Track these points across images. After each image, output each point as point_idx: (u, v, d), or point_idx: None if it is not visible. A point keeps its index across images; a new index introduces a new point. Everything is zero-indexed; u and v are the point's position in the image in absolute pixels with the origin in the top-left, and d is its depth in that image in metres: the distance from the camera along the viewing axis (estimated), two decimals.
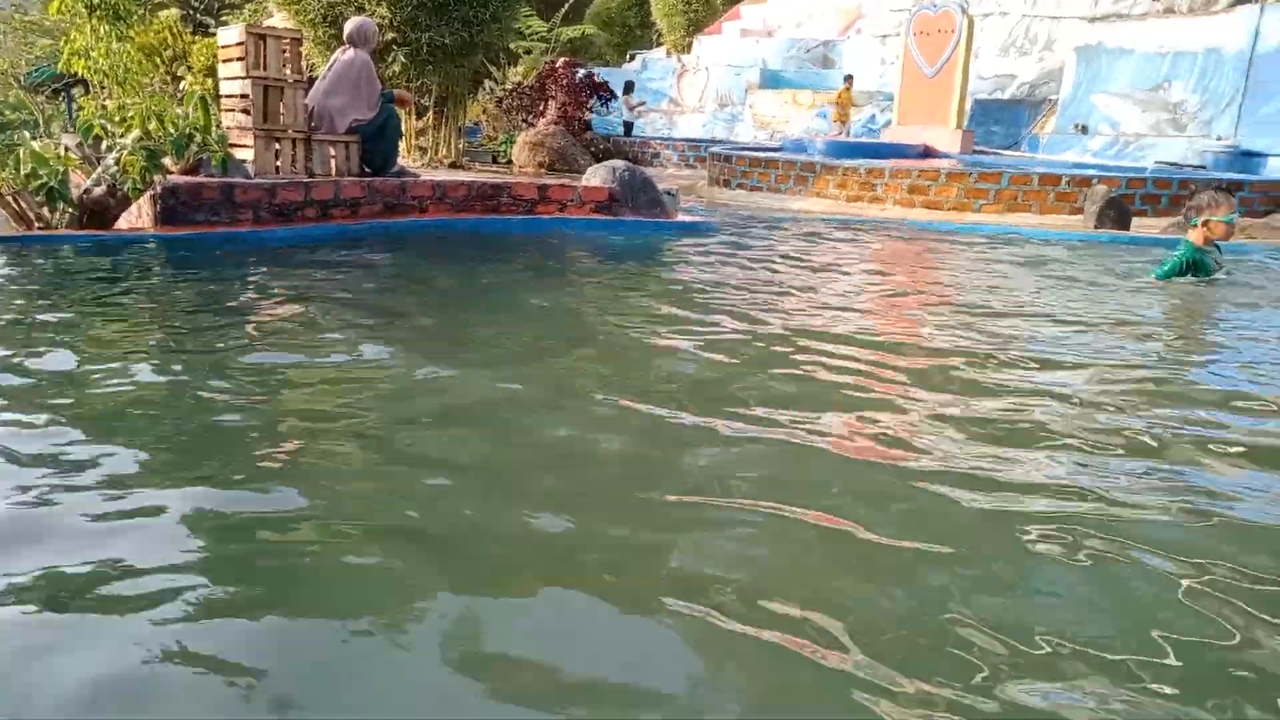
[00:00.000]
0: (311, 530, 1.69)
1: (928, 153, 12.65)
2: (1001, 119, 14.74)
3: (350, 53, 6.76)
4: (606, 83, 14.18)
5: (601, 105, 14.00)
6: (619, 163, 7.33)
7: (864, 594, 1.53)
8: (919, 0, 12.02)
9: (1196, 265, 4.82)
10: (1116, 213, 7.76)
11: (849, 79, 16.14)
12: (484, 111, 14.71)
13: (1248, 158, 10.96)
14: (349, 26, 6.80)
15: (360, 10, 9.46)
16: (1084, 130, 13.00)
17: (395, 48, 9.94)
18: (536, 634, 1.38)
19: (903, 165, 10.12)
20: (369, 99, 6.86)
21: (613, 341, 3.36)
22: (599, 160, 9.66)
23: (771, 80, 20.49)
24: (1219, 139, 11.55)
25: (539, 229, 6.40)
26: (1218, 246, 4.95)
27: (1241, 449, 2.28)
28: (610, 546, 1.68)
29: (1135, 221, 8.08)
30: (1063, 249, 6.80)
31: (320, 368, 2.77)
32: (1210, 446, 2.27)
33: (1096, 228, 7.69)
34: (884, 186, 9.92)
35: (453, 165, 11.19)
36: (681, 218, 7.35)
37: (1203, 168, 10.62)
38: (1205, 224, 4.81)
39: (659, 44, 24.97)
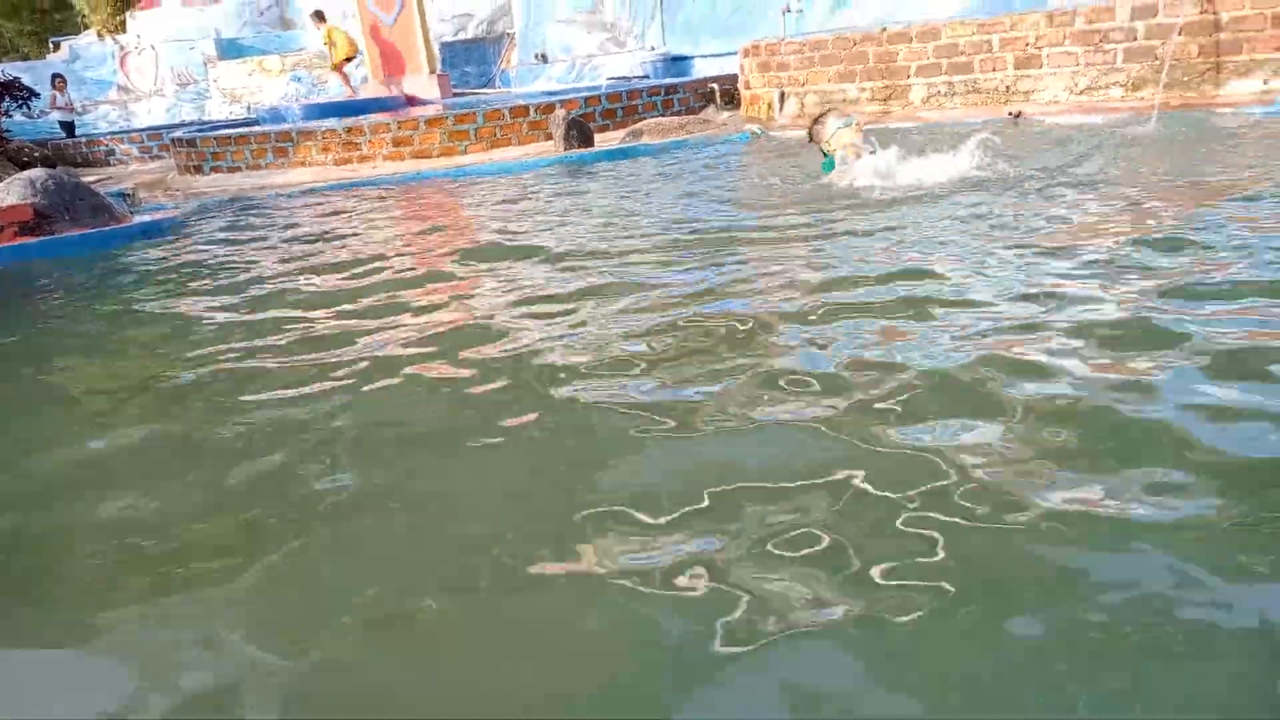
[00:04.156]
0: None
1: (411, 102, 12.58)
2: (471, 58, 15.16)
3: None
4: (17, 80, 11.95)
5: (19, 108, 11.81)
6: (38, 172, 6.22)
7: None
8: None
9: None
10: (579, 132, 8.37)
11: (318, 14, 14.15)
12: None
13: (678, 62, 12.49)
14: None
15: None
16: (544, 59, 13.84)
17: None
18: None
19: (380, 119, 9.94)
20: None
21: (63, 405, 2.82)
22: None
23: (232, 50, 18.96)
24: (652, 49, 13.00)
25: None
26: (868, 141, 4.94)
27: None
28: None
29: (598, 137, 8.79)
30: (537, 176, 7.17)
31: None
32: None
33: (566, 150, 8.23)
34: (368, 144, 9.66)
35: None
36: (141, 219, 6.50)
37: (646, 77, 11.87)
38: (830, 146, 4.82)
39: (86, 27, 21.70)
